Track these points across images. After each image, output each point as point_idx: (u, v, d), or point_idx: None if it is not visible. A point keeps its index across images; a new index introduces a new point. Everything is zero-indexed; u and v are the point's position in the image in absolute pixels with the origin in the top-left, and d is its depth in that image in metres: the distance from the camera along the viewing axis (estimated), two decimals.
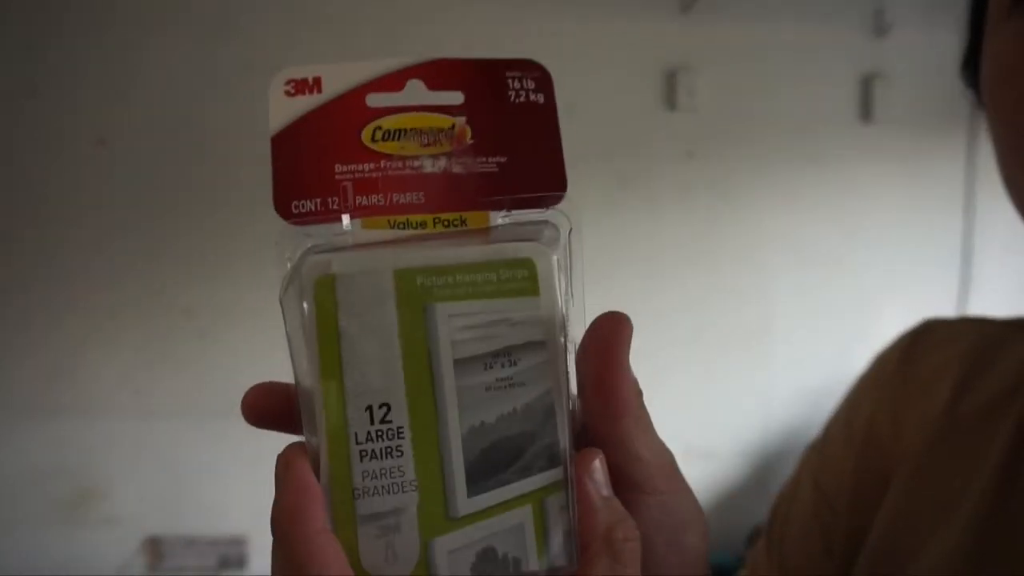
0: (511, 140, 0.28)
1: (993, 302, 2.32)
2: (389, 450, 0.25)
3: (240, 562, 2.06)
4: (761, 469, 2.29)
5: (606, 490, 0.26)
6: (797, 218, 2.25)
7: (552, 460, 0.26)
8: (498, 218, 0.27)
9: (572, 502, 0.25)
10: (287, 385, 0.27)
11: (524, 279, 0.26)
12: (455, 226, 0.26)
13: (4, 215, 1.94)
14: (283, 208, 0.28)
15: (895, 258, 2.29)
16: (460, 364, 0.25)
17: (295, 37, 2.00)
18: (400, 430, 0.25)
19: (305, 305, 0.26)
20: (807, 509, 0.49)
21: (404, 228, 0.26)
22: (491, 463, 0.25)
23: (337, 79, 0.28)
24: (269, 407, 0.27)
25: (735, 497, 2.27)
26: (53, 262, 1.96)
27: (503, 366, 0.25)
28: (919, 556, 0.40)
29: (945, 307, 2.32)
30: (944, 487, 0.41)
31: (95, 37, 1.93)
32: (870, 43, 2.23)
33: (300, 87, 0.28)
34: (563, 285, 0.26)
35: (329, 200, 0.26)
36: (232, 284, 2.01)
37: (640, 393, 0.29)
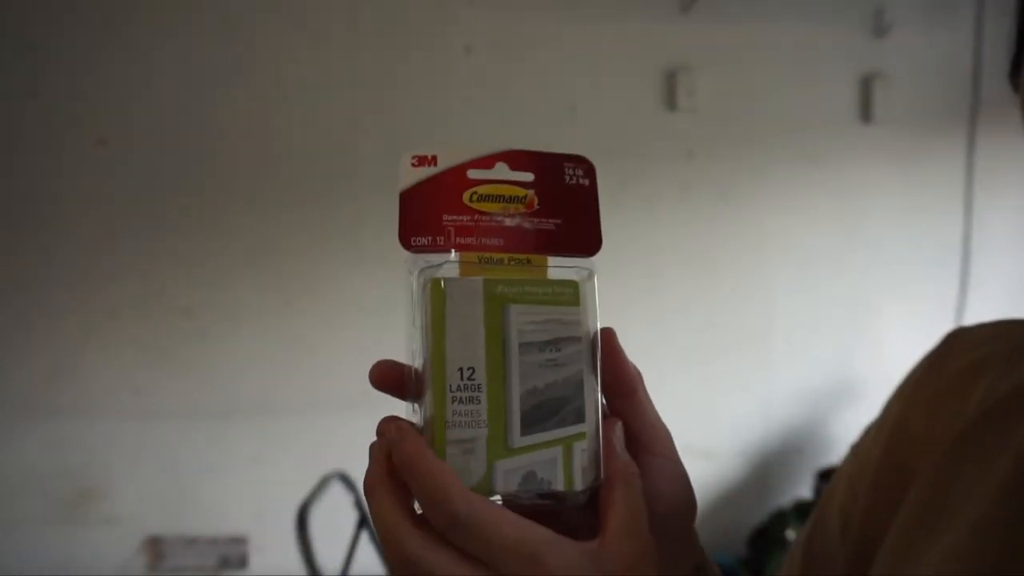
0: (565, 209, 0.41)
1: (992, 302, 2.32)
2: (471, 399, 0.36)
3: (240, 562, 2.06)
4: (761, 469, 2.29)
5: (622, 445, 0.37)
6: (797, 218, 2.25)
7: (579, 417, 0.38)
8: (553, 261, 0.40)
9: (591, 448, 0.37)
10: (401, 364, 0.37)
11: (570, 294, 0.39)
12: (523, 264, 0.39)
13: (5, 215, 1.95)
14: (406, 241, 0.37)
15: (895, 258, 2.30)
16: (523, 346, 0.37)
17: (295, 37, 2.00)
18: (479, 386, 0.36)
19: (424, 300, 0.36)
20: (836, 505, 0.51)
21: (488, 262, 0.38)
22: (539, 415, 0.37)
23: (448, 156, 0.38)
24: (391, 376, 0.37)
25: (735, 497, 2.27)
26: (53, 262, 1.96)
27: (552, 351, 0.38)
28: (929, 552, 0.40)
29: (945, 307, 2.32)
30: (960, 485, 0.41)
31: (96, 38, 1.93)
32: (870, 43, 2.23)
33: (421, 161, 0.38)
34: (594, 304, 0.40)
35: (438, 238, 0.38)
36: (232, 284, 2.01)
37: (641, 375, 0.40)
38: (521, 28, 2.08)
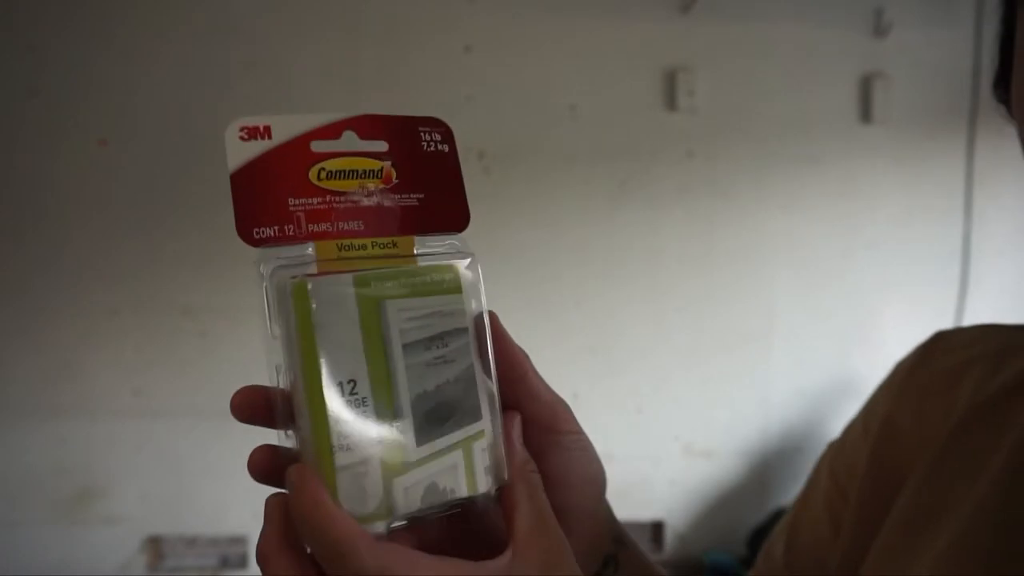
0: (426, 181, 0.35)
1: (992, 302, 2.32)
2: (356, 415, 0.31)
3: (240, 562, 2.06)
4: (761, 469, 2.29)
5: (520, 439, 0.36)
6: (797, 218, 2.25)
7: (475, 415, 0.34)
8: (421, 241, 0.35)
9: (492, 445, 0.35)
10: (266, 387, 0.33)
11: (451, 280, 0.34)
12: (389, 248, 0.34)
13: (5, 215, 1.95)
14: (246, 234, 0.32)
15: (895, 258, 2.30)
16: (407, 347, 0.33)
17: (295, 37, 2.00)
18: (365, 399, 0.31)
19: (287, 308, 0.31)
20: (820, 499, 0.52)
21: (349, 250, 0.33)
22: (433, 420, 0.33)
23: (284, 127, 0.33)
24: (257, 403, 0.33)
25: (735, 497, 2.27)
26: (53, 262, 1.96)
27: (438, 347, 0.34)
28: (922, 551, 0.40)
29: (945, 307, 2.32)
30: (953, 483, 0.41)
31: (96, 38, 1.93)
32: (870, 43, 2.23)
33: (252, 133, 0.33)
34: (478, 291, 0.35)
35: (286, 227, 0.32)
36: (232, 284, 2.01)
37: (528, 356, 0.37)
38: (521, 28, 2.08)
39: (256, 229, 0.32)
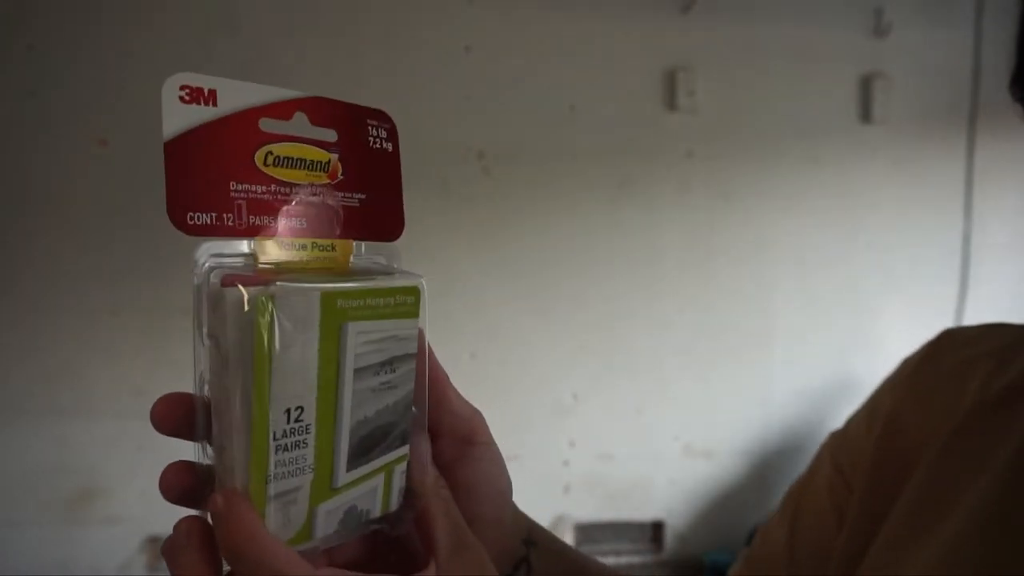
0: (369, 181, 0.32)
1: (992, 302, 2.32)
2: (297, 443, 0.29)
3: None
4: (761, 469, 2.29)
5: (428, 458, 0.36)
6: (797, 218, 2.25)
7: (403, 439, 0.34)
8: (358, 246, 0.33)
9: (408, 466, 0.35)
10: (191, 395, 0.30)
11: (411, 304, 0.32)
12: (328, 251, 0.31)
13: (5, 215, 1.95)
14: (178, 218, 0.27)
15: (895, 259, 2.30)
16: (359, 371, 0.31)
17: (295, 37, 2.00)
18: (308, 426, 0.29)
19: (241, 321, 0.27)
20: (823, 485, 0.52)
21: (290, 248, 0.30)
22: (366, 446, 0.32)
23: (232, 96, 0.30)
24: (181, 415, 0.31)
25: (735, 497, 2.27)
26: (54, 262, 1.96)
27: (386, 372, 0.32)
28: (925, 546, 0.40)
29: (945, 307, 2.32)
30: (956, 481, 0.41)
31: (96, 38, 1.93)
32: (870, 43, 2.23)
33: (195, 96, 0.29)
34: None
35: (224, 216, 0.28)
36: None
37: (447, 376, 0.38)
38: (521, 28, 2.08)
39: (191, 214, 0.27)
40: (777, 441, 2.29)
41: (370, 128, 0.32)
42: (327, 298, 0.29)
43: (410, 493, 0.35)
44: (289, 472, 0.30)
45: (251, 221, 0.28)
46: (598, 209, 2.12)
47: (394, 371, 0.32)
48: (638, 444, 2.18)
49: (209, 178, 0.27)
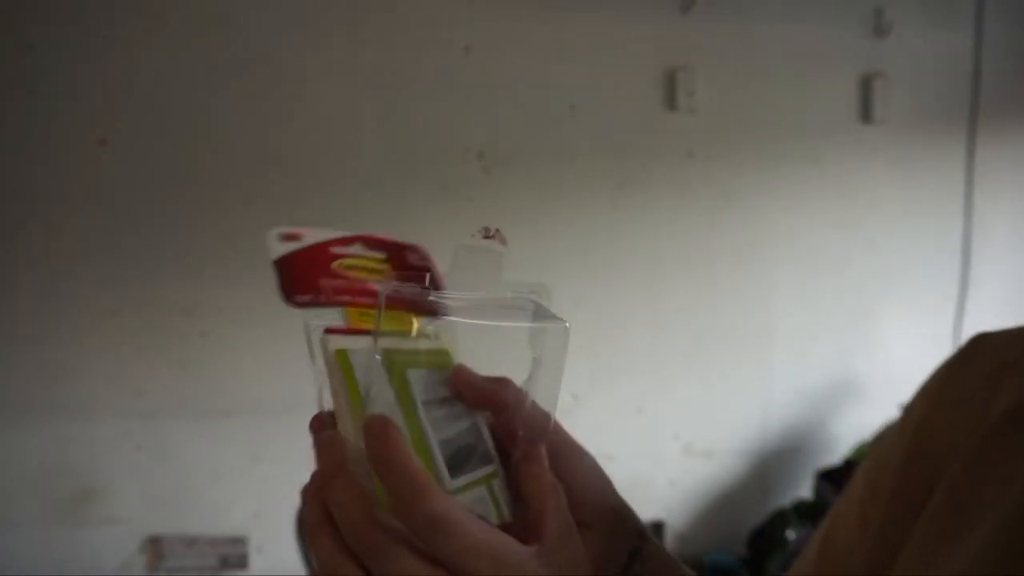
0: (415, 281, 0.45)
1: (992, 302, 2.32)
2: None
3: (240, 562, 2.06)
4: (761, 469, 2.29)
5: (546, 465, 0.42)
6: (797, 218, 2.25)
7: (488, 459, 0.43)
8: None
9: (506, 485, 0.43)
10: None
11: (447, 357, 0.45)
12: (397, 318, 0.43)
13: (5, 215, 1.95)
14: (289, 298, 0.42)
15: (895, 258, 2.30)
16: (426, 403, 0.41)
17: (295, 37, 2.00)
18: (406, 439, 0.37)
19: (333, 367, 0.40)
20: (856, 498, 0.51)
21: (366, 316, 0.43)
22: (458, 460, 0.40)
23: (311, 236, 0.43)
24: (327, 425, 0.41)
25: (735, 497, 2.27)
26: (54, 262, 1.96)
27: (448, 406, 0.42)
28: (955, 551, 0.40)
29: (945, 307, 2.32)
30: (987, 486, 0.41)
31: (96, 38, 1.93)
32: (870, 43, 2.23)
33: (287, 237, 0.42)
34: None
35: (318, 296, 0.42)
36: (232, 284, 2.01)
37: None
38: (521, 28, 2.08)
39: (296, 296, 0.42)
40: (777, 441, 2.29)
41: (408, 254, 0.45)
42: (388, 352, 0.40)
43: (519, 505, 0.41)
44: None
45: (335, 298, 0.43)
46: (598, 209, 2.11)
47: (452, 405, 0.42)
48: (638, 444, 2.18)
49: (304, 275, 0.42)
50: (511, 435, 0.44)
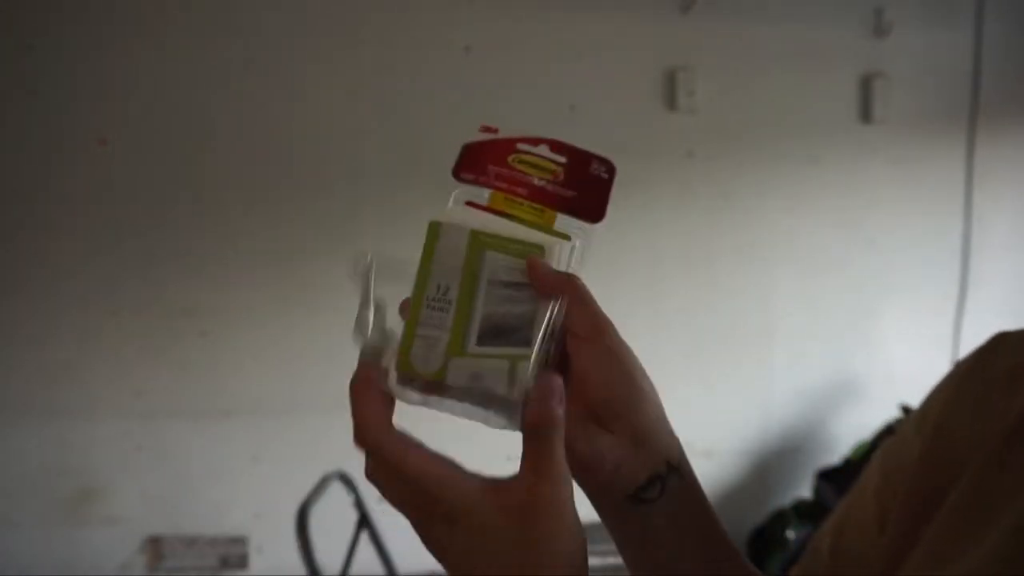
0: (583, 186, 0.51)
1: (992, 302, 2.32)
2: (441, 307, 0.45)
3: (240, 562, 2.06)
4: (761, 469, 2.29)
5: (549, 395, 0.42)
6: (797, 218, 2.25)
7: (527, 343, 0.45)
8: (561, 218, 0.49)
9: (533, 372, 0.44)
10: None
11: (537, 253, 0.47)
12: (536, 213, 0.49)
13: (5, 215, 1.95)
14: (456, 174, 0.48)
15: (895, 258, 2.29)
16: (491, 282, 0.46)
17: (295, 37, 2.00)
18: (450, 301, 0.45)
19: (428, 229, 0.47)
20: (870, 493, 0.51)
21: (511, 203, 0.49)
22: (493, 333, 0.45)
23: (506, 131, 0.50)
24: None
25: (735, 497, 2.27)
26: (54, 262, 1.96)
27: (513, 289, 0.46)
28: (970, 550, 0.40)
29: (945, 307, 2.32)
30: (1004, 486, 0.41)
31: (96, 38, 1.93)
32: (870, 43, 2.23)
33: (487, 129, 0.50)
34: (569, 261, 0.49)
35: (480, 177, 0.49)
36: (232, 284, 2.01)
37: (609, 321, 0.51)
38: (521, 28, 2.08)
39: (463, 173, 0.48)
40: (777, 441, 2.29)
41: (594, 163, 0.50)
42: (474, 233, 0.46)
43: (528, 398, 0.43)
44: (433, 324, 0.44)
45: (495, 183, 0.49)
46: None
47: (519, 290, 0.46)
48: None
49: (479, 160, 0.49)
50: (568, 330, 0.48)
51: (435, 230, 0.46)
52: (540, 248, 0.48)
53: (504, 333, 0.45)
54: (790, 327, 2.26)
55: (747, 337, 2.25)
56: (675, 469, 0.49)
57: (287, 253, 2.03)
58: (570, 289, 0.48)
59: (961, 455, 0.45)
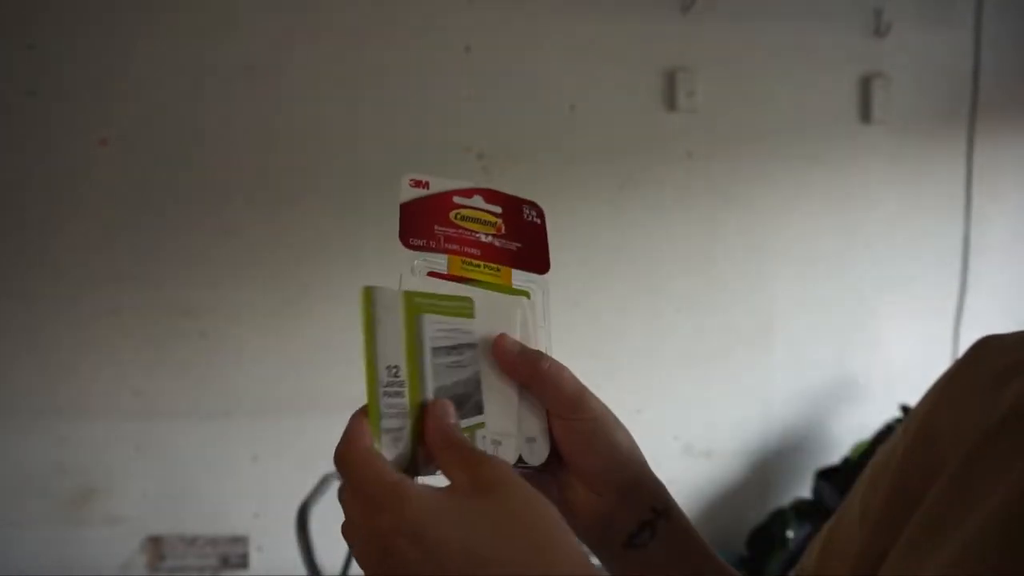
0: (524, 237, 0.52)
1: (992, 302, 2.32)
2: (397, 391, 0.42)
3: (240, 562, 2.06)
4: (761, 469, 2.29)
5: (442, 421, 0.43)
6: (797, 218, 2.25)
7: (479, 409, 0.46)
8: (515, 273, 0.51)
9: (492, 435, 0.47)
10: None
11: (469, 308, 0.48)
12: (493, 272, 0.50)
13: (5, 215, 1.95)
14: (405, 241, 0.47)
15: (895, 258, 2.30)
16: (435, 351, 0.44)
17: (295, 37, 2.00)
18: (403, 382, 0.42)
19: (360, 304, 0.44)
20: (858, 497, 0.52)
21: (469, 265, 0.49)
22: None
23: (437, 184, 0.49)
24: None
25: (735, 497, 2.27)
26: (54, 262, 1.96)
27: (456, 355, 0.45)
28: (944, 548, 0.40)
29: (945, 306, 2.32)
30: (981, 484, 0.41)
31: (96, 38, 1.93)
32: (870, 43, 2.23)
33: (417, 183, 0.49)
34: (526, 320, 0.52)
35: (430, 242, 0.48)
36: (232, 284, 2.01)
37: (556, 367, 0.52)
38: (521, 28, 2.08)
39: (412, 239, 0.47)
40: (777, 441, 2.29)
41: (525, 209, 0.52)
42: (407, 296, 0.43)
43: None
44: (394, 414, 0.41)
45: (445, 246, 0.48)
46: (598, 209, 2.11)
47: (461, 354, 0.45)
48: (638, 444, 2.18)
49: (423, 222, 0.48)
50: (543, 406, 0.50)
51: (369, 296, 0.42)
52: (470, 303, 0.48)
53: (459, 404, 0.44)
54: (790, 327, 2.26)
55: (746, 337, 2.25)
56: (662, 513, 0.53)
57: (287, 253, 2.03)
58: (540, 372, 0.50)
59: (943, 453, 0.46)
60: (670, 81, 2.14)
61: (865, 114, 2.24)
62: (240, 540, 2.06)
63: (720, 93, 2.16)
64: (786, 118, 2.21)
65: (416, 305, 0.44)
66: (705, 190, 2.19)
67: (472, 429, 0.46)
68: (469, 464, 0.41)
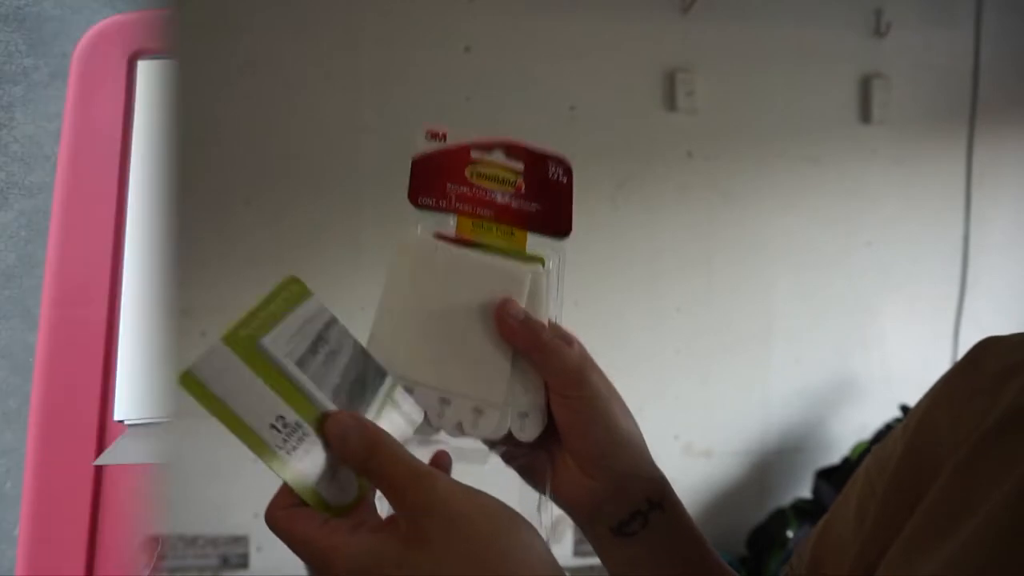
0: (545, 197, 0.47)
1: (992, 302, 2.32)
2: (299, 439, 0.36)
3: (241, 562, 2.06)
4: (760, 469, 2.29)
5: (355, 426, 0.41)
6: (797, 218, 2.25)
7: (381, 374, 0.42)
8: (530, 237, 0.47)
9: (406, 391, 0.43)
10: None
11: (297, 291, 0.40)
12: (507, 235, 0.46)
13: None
14: (414, 200, 0.44)
15: (895, 258, 2.30)
16: (300, 362, 0.38)
17: (294, 36, 2.00)
18: (296, 424, 0.36)
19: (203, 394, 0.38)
20: (854, 495, 0.52)
21: (480, 228, 0.46)
22: (355, 399, 0.39)
23: (456, 136, 0.46)
24: None
25: (734, 497, 2.27)
26: None
27: (323, 345, 0.39)
28: (940, 549, 0.40)
29: (945, 307, 2.32)
30: (979, 484, 0.41)
31: None
32: (870, 43, 2.23)
33: (434, 134, 0.46)
34: (539, 287, 0.48)
35: (440, 201, 0.45)
36: (232, 284, 2.01)
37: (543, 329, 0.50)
38: (521, 28, 2.08)
39: (421, 198, 0.44)
40: (777, 441, 2.29)
41: (550, 165, 0.47)
42: (230, 339, 0.35)
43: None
44: (313, 461, 0.36)
45: (457, 206, 0.45)
46: (598, 209, 2.11)
47: (327, 342, 0.40)
48: None
49: (435, 179, 0.45)
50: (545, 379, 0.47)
51: (192, 379, 0.35)
52: (298, 283, 0.41)
53: (361, 390, 0.40)
54: (789, 327, 2.26)
55: (746, 337, 2.25)
56: (657, 505, 0.52)
57: (287, 253, 2.03)
58: (540, 343, 0.48)
59: (941, 453, 0.46)
60: (670, 81, 2.14)
61: (865, 114, 2.24)
62: (240, 540, 2.06)
63: (720, 93, 2.16)
64: (786, 118, 2.21)
65: (247, 339, 0.36)
66: (705, 190, 2.19)
67: (389, 395, 0.42)
68: (395, 489, 0.37)
